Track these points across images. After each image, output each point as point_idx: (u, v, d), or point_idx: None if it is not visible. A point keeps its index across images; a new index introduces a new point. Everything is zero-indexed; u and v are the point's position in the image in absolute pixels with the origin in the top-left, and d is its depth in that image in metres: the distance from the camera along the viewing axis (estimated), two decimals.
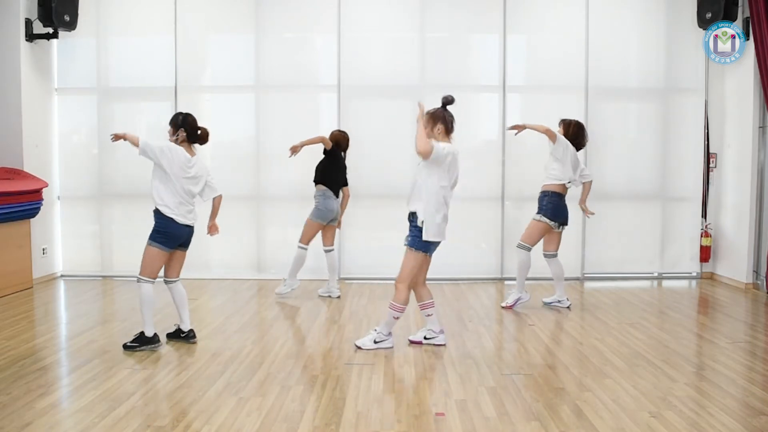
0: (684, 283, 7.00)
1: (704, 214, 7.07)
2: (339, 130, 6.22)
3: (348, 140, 6.16)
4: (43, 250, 6.85)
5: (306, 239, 6.01)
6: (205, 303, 6.01)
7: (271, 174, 7.10)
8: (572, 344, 4.64)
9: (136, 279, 4.47)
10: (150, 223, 4.42)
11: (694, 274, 7.14)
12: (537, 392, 3.66)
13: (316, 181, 6.00)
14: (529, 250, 5.60)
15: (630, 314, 5.49)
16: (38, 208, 6.48)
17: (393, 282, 4.53)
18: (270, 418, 3.30)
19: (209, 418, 3.29)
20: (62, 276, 7.15)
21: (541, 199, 5.57)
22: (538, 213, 5.57)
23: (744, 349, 4.50)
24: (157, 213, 4.38)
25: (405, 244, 4.45)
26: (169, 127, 4.50)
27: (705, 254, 7.01)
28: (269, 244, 7.15)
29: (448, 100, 4.36)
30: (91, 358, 4.26)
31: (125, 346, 4.43)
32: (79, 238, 7.25)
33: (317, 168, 6.03)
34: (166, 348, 4.51)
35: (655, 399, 3.54)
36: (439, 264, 7.24)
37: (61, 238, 7.18)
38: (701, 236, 7.03)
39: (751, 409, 3.41)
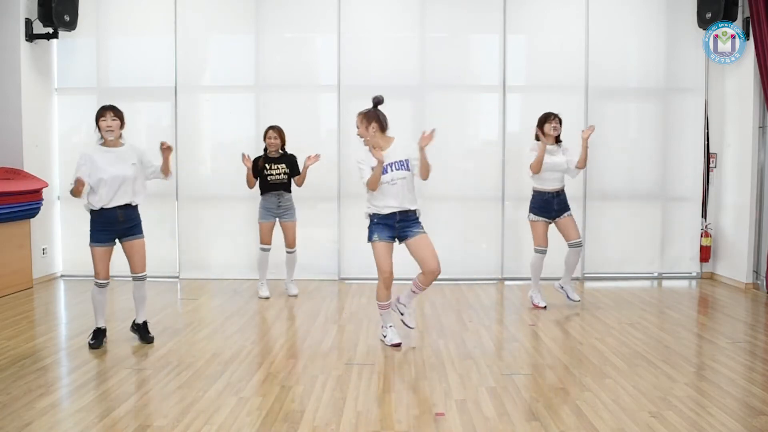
0: (684, 283, 6.99)
1: (704, 214, 7.06)
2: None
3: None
4: (43, 250, 6.85)
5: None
6: (205, 303, 6.02)
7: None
8: (572, 344, 4.64)
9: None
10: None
11: (694, 274, 7.14)
12: (537, 392, 3.66)
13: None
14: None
15: (630, 314, 5.49)
16: (38, 208, 6.48)
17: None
18: (270, 418, 3.30)
19: (209, 418, 3.29)
20: (62, 276, 7.15)
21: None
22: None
23: (744, 349, 4.50)
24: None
25: (423, 232, 4.56)
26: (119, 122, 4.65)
27: (705, 254, 7.01)
28: None
29: (378, 100, 4.61)
30: (91, 358, 4.26)
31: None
32: (79, 238, 7.22)
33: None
34: (166, 348, 4.51)
35: (655, 399, 3.54)
36: None
37: (61, 238, 7.18)
38: (701, 236, 7.02)
39: (751, 409, 3.41)
